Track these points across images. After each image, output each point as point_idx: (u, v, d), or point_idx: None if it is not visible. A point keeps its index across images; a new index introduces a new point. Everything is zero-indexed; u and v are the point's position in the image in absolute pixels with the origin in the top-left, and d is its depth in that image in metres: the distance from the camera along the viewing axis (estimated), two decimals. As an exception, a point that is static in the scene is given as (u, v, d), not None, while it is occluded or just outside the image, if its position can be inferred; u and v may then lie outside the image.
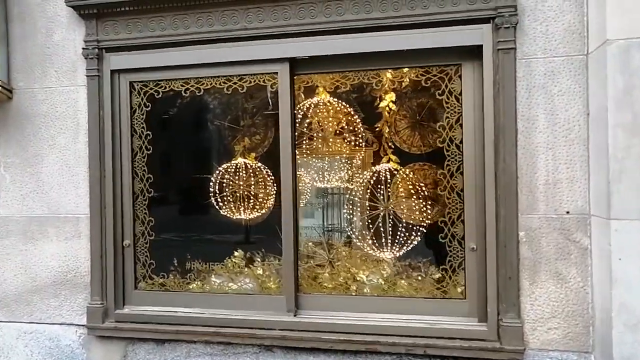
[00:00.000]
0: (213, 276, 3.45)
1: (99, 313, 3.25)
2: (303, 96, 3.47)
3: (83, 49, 3.27)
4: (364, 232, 3.48)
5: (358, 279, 3.30)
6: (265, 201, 3.76)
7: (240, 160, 3.75)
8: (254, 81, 3.22)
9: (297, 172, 3.20)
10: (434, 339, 2.82)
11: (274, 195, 3.64)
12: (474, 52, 2.79)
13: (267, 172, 3.70)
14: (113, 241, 3.28)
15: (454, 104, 2.94)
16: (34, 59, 3.39)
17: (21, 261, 3.42)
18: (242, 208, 3.82)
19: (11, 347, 3.41)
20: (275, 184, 3.59)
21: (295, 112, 3.19)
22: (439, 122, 3.01)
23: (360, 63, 3.02)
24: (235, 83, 3.22)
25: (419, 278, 3.19)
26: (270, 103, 3.31)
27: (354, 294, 3.20)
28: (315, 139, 3.60)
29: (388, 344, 2.85)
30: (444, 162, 2.98)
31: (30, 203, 3.41)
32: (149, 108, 3.33)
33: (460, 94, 2.90)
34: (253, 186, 3.79)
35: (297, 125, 3.27)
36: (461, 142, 2.91)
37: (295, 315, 3.05)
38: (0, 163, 3.45)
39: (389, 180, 3.42)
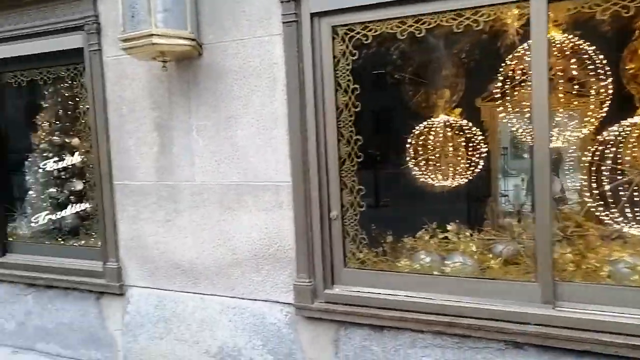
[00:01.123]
0: (427, 254, 2.92)
1: (307, 292, 2.90)
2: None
3: (279, -10, 2.76)
4: (616, 204, 2.69)
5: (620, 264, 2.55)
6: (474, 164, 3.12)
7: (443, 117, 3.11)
8: (494, 14, 2.49)
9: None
10: None
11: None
12: None
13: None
14: (319, 212, 2.86)
15: None
16: (224, 9, 2.98)
17: (219, 232, 3.17)
18: (450, 173, 3.20)
19: (215, 321, 3.23)
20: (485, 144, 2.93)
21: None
22: None
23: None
24: (467, 19, 2.51)
25: None
26: (516, 41, 2.57)
27: (616, 283, 2.48)
28: (558, 86, 2.81)
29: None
30: None
31: (226, 170, 3.10)
32: (355, 57, 2.78)
33: None
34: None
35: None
36: None
37: (554, 308, 2.41)
38: (192, 126, 3.16)
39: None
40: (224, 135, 3.09)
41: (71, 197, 4.45)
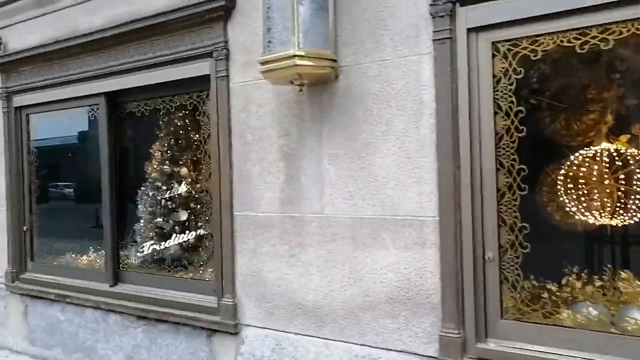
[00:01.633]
0: (593, 306, 2.43)
1: (454, 345, 2.49)
2: None
3: (430, 4, 2.51)
4: None
5: None
6: None
7: None
8: None
9: None
10: None
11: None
12: None
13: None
14: (472, 253, 2.48)
15: None
16: (365, 28, 2.77)
17: (350, 270, 2.85)
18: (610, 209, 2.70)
19: (341, 371, 2.86)
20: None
21: None
22: None
23: None
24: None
25: None
26: None
27: None
28: None
29: None
30: None
31: (360, 202, 2.80)
32: (520, 75, 2.41)
33: None
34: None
35: None
36: None
37: None
38: (323, 155, 2.92)
39: None
40: (360, 164, 2.82)
41: (175, 227, 4.35)
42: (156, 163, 4.20)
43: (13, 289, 4.72)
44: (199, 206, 4.01)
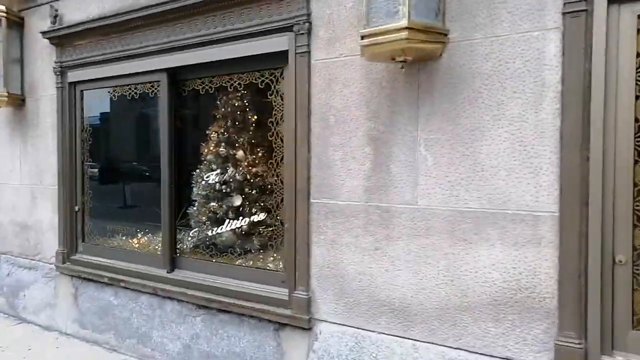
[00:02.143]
0: None
1: (575, 357, 2.23)
2: None
3: (564, -27, 2.19)
4: None
5: None
6: None
7: None
8: None
9: None
10: None
11: None
12: None
13: None
14: (600, 255, 2.18)
15: None
16: (476, 0, 2.45)
17: (446, 268, 2.58)
18: None
19: (433, 376, 2.61)
20: None
21: None
22: None
23: None
24: None
25: None
26: None
27: None
28: None
29: None
30: None
31: (462, 193, 2.52)
32: (670, 54, 2.10)
33: None
34: None
35: None
36: None
37: None
38: (419, 140, 2.64)
39: None
40: (463, 151, 2.54)
41: (229, 212, 4.14)
42: (214, 144, 3.96)
43: (63, 270, 4.58)
44: (263, 192, 3.77)
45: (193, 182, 4.24)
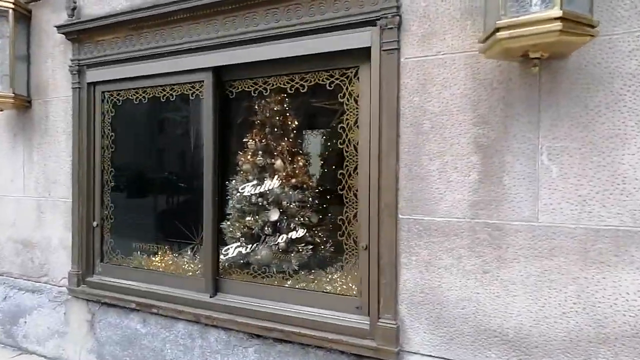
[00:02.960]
0: None
1: None
2: None
3: None
4: None
5: None
6: None
7: None
8: None
9: None
10: None
11: None
12: None
13: None
14: None
15: None
16: (621, -11, 2.16)
17: (576, 293, 2.27)
18: None
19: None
20: None
21: None
22: None
23: None
24: None
25: None
26: None
27: None
28: None
29: None
30: None
31: (596, 208, 2.23)
32: None
33: None
34: None
35: None
36: None
37: None
38: (541, 148, 2.33)
39: None
40: (599, 161, 2.23)
41: (265, 228, 3.74)
42: (260, 153, 3.55)
43: (78, 293, 4.05)
44: (328, 207, 3.38)
45: (227, 194, 3.81)
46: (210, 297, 3.51)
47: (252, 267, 3.54)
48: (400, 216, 2.76)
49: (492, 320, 2.51)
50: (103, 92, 4.08)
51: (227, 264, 3.63)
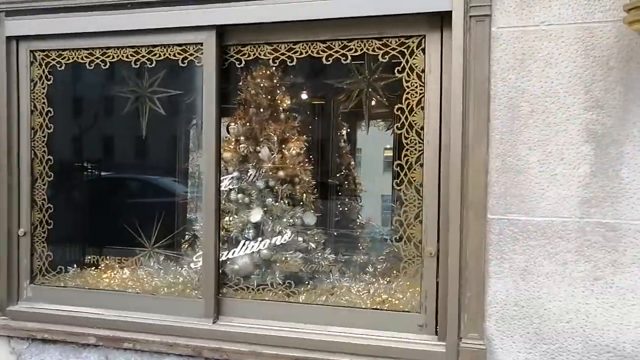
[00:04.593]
0: None
1: None
2: None
3: None
4: None
5: None
6: None
7: None
8: None
9: None
10: None
11: None
12: None
13: None
14: None
15: None
16: None
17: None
18: None
19: None
20: None
21: None
22: None
23: None
24: None
25: None
26: None
27: None
28: None
29: None
30: None
31: None
32: None
33: None
34: None
35: None
36: None
37: None
38: (669, 139, 2.06)
39: None
40: None
41: (245, 230, 3.13)
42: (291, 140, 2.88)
43: (-7, 329, 2.94)
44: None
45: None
46: (213, 322, 2.72)
47: (265, 282, 2.82)
48: (489, 216, 2.31)
49: (605, 334, 2.20)
50: (32, 52, 2.96)
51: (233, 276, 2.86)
